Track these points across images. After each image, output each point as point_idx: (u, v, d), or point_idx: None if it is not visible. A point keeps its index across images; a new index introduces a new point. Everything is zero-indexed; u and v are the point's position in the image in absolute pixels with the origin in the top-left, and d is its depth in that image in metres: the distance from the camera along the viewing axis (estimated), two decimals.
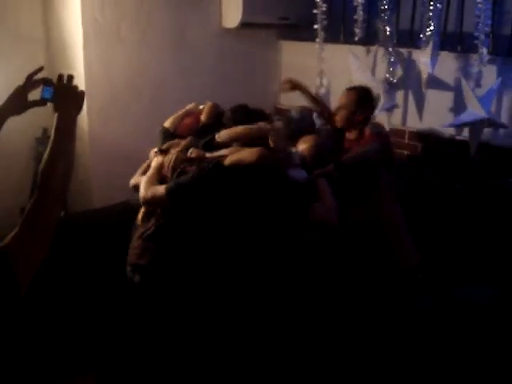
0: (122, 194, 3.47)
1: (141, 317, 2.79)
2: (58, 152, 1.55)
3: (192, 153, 2.75)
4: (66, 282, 3.35)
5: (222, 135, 2.80)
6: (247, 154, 2.57)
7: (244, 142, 2.71)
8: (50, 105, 1.69)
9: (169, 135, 3.23)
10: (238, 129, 2.81)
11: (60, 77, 1.68)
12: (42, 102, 1.71)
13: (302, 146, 3.05)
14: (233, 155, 2.61)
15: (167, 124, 3.31)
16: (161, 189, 2.62)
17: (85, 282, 3.42)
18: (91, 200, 4.11)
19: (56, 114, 1.62)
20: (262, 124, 2.86)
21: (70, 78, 1.70)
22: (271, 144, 2.69)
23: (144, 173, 2.94)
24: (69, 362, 3.10)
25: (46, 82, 1.71)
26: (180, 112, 3.39)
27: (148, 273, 2.76)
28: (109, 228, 3.61)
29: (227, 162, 2.60)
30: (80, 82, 4.01)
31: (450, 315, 2.78)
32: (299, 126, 3.38)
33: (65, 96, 1.66)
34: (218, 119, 3.18)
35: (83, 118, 4.04)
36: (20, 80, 1.79)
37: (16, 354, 1.34)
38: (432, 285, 3.03)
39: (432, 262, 3.03)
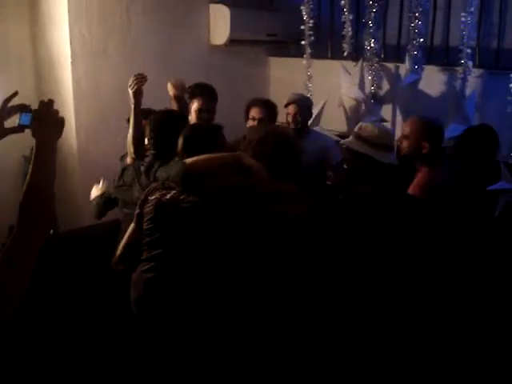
0: (112, 212, 3.44)
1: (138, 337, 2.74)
2: (38, 183, 1.45)
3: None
4: (57, 300, 3.33)
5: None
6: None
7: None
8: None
9: None
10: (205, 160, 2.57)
11: (41, 103, 1.57)
12: (19, 129, 1.61)
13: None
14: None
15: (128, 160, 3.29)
16: None
17: (75, 298, 3.40)
18: (81, 218, 4.08)
19: (35, 142, 1.52)
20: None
21: (51, 102, 1.59)
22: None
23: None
24: (73, 372, 3.07)
25: (23, 108, 1.61)
26: None
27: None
28: (99, 246, 3.59)
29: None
30: (68, 99, 4.01)
31: None
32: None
33: (44, 122, 1.55)
34: None
35: (72, 136, 4.03)
36: None
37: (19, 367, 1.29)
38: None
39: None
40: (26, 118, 1.60)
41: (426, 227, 2.58)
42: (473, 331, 2.76)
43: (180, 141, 2.60)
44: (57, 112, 1.61)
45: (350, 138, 2.72)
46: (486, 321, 2.79)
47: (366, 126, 2.71)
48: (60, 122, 1.60)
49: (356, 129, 2.72)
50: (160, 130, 2.97)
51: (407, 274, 2.56)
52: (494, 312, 2.82)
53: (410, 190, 2.93)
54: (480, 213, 3.13)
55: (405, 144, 3.02)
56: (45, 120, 1.57)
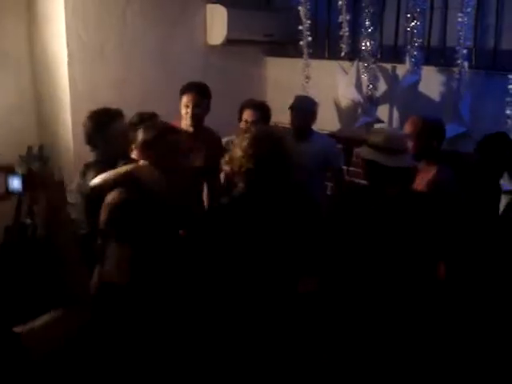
0: None
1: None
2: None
3: None
4: (56, 301, 3.31)
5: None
6: None
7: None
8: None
9: None
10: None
11: (29, 171, 1.32)
12: (7, 196, 1.32)
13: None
14: None
15: None
16: None
17: None
18: None
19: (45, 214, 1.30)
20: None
21: (45, 161, 1.42)
22: None
23: None
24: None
25: (9, 170, 1.34)
26: None
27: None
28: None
29: None
30: (65, 100, 4.00)
31: None
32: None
33: (40, 189, 1.28)
34: None
35: (68, 137, 4.02)
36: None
37: None
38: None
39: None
40: (16, 182, 1.32)
41: (431, 222, 2.59)
42: (477, 329, 2.76)
43: None
44: (52, 175, 1.38)
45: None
46: (488, 320, 2.79)
47: (375, 132, 2.74)
48: (60, 187, 1.37)
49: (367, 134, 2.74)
50: (91, 127, 2.99)
51: (411, 269, 2.58)
52: (497, 311, 2.82)
53: (417, 187, 2.93)
54: (486, 215, 3.14)
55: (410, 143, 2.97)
56: (41, 185, 1.31)
